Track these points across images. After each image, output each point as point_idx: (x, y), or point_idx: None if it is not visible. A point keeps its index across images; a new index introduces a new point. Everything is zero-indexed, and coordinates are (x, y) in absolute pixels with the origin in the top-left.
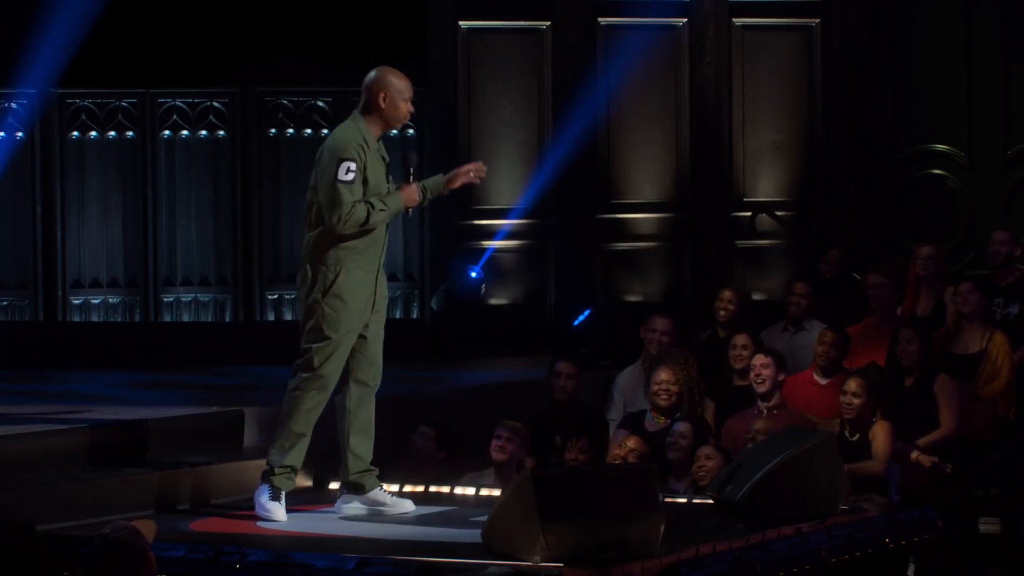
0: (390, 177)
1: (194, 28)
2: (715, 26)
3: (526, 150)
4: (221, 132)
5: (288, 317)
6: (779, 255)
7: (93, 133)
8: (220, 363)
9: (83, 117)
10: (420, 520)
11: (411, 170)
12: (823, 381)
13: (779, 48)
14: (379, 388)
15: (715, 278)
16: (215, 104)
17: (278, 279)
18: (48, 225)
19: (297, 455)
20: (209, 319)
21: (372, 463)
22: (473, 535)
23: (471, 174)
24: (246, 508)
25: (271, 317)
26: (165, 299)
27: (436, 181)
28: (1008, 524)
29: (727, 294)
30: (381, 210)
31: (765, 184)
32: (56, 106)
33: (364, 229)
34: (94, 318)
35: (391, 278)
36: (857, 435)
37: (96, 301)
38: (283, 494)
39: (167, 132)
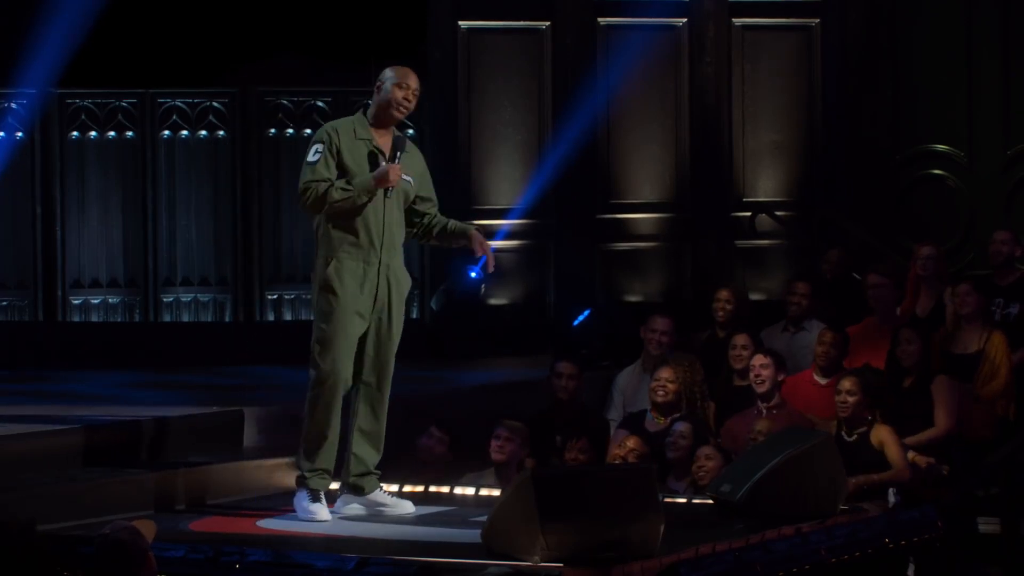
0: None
1: (194, 28)
2: (715, 26)
3: (526, 150)
4: (221, 132)
5: (288, 317)
6: (779, 255)
7: (93, 133)
8: (220, 363)
9: (83, 117)
10: (420, 520)
11: (398, 153)
12: (823, 381)
13: (779, 48)
14: None
15: (715, 278)
16: (215, 104)
17: (278, 279)
18: (48, 225)
19: (326, 456)
20: (209, 319)
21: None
22: (473, 535)
23: (487, 258)
24: (246, 508)
25: (271, 317)
26: (165, 299)
27: (463, 227)
28: (1008, 524)
29: (724, 294)
30: (342, 188)
31: (765, 184)
32: (56, 106)
33: (337, 209)
34: (94, 318)
35: None
36: (854, 435)
37: (96, 301)
38: (322, 494)
39: (167, 132)
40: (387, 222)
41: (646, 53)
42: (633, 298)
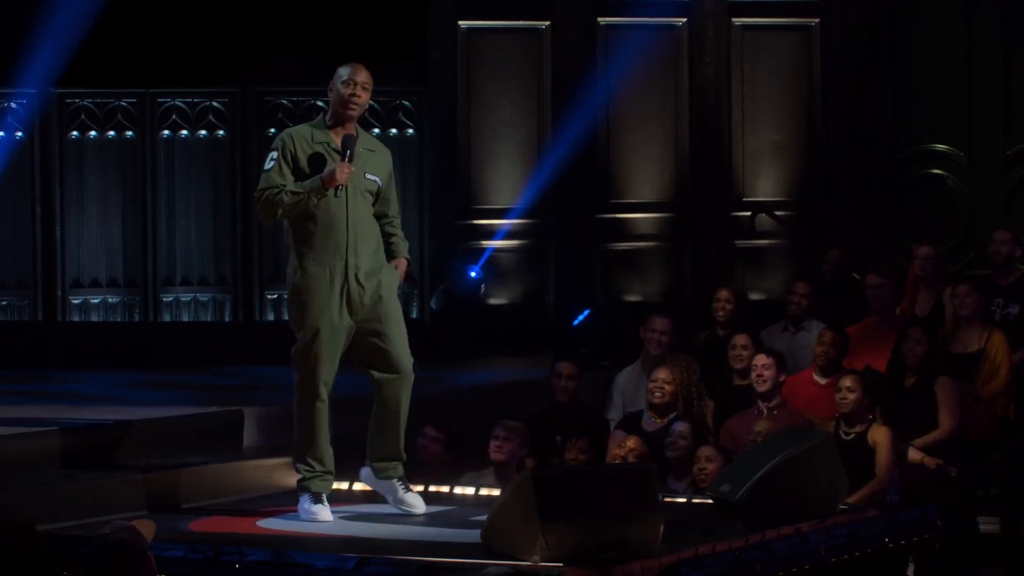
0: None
1: (194, 28)
2: (714, 26)
3: (526, 150)
4: (221, 132)
5: (287, 317)
6: (779, 255)
7: (93, 133)
8: (219, 363)
9: (82, 117)
10: (420, 520)
11: (347, 152)
12: (823, 381)
13: (779, 48)
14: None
15: (715, 278)
16: (215, 104)
17: (277, 279)
18: (47, 225)
19: (321, 458)
20: (209, 319)
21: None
22: (473, 535)
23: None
24: (246, 508)
25: (271, 317)
26: (164, 299)
27: (397, 253)
28: (1008, 524)
29: (724, 294)
30: (291, 191)
31: (765, 184)
32: (56, 106)
33: (292, 213)
34: (93, 318)
35: None
36: (852, 434)
37: (95, 301)
38: (324, 496)
39: (167, 132)
40: (352, 223)
41: (646, 53)
42: (633, 298)
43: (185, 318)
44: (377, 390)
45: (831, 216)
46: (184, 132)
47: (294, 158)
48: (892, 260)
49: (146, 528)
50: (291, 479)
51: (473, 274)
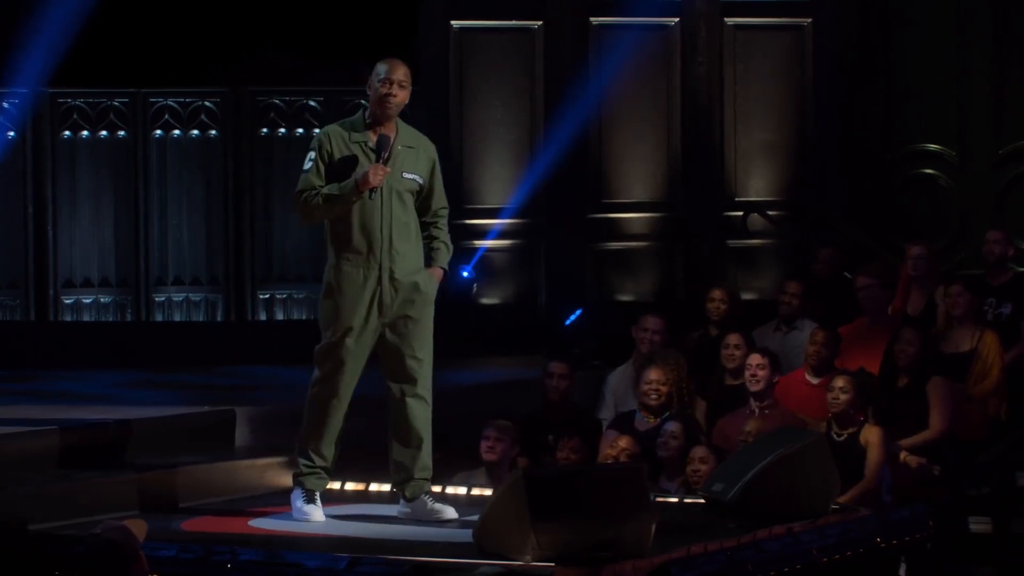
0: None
1: (186, 28)
2: (707, 26)
3: (518, 149)
4: (213, 132)
5: (280, 317)
6: (771, 255)
7: (85, 132)
8: (212, 363)
9: (75, 116)
10: (412, 520)
11: (383, 154)
12: (815, 381)
13: (771, 48)
14: (370, 388)
15: (707, 278)
16: (207, 104)
17: (270, 279)
18: (39, 224)
19: (322, 455)
20: (201, 319)
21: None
22: (465, 535)
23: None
24: (238, 508)
25: (263, 317)
26: (157, 299)
27: (435, 259)
28: (999, 524)
29: (718, 293)
30: (328, 194)
31: (757, 184)
32: (48, 105)
33: (330, 216)
34: (85, 318)
35: None
36: (844, 435)
37: (87, 301)
38: (317, 495)
39: (159, 132)
40: (387, 225)
41: (638, 53)
42: (625, 297)
43: (177, 318)
44: (391, 404)
45: (823, 216)
46: (176, 132)
47: (330, 157)
48: (883, 260)
49: (138, 528)
50: (283, 479)
51: (465, 274)
